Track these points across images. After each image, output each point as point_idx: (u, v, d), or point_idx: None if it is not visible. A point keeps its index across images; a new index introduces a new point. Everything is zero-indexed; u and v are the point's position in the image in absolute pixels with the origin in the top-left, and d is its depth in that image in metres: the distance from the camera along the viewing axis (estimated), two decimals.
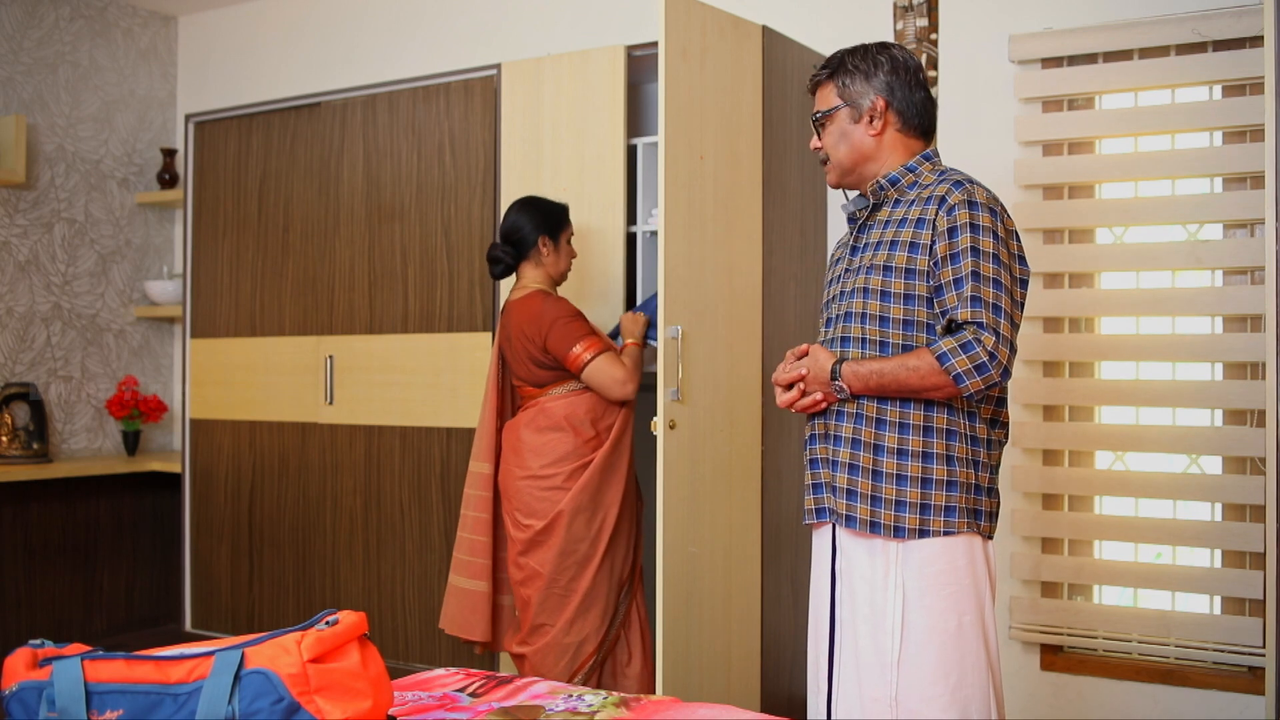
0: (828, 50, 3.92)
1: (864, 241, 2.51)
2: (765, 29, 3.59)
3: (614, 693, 2.40)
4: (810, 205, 3.90)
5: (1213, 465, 3.58)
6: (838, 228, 3.98)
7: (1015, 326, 2.36)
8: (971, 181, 2.40)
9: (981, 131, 3.76)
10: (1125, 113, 3.65)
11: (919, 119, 2.53)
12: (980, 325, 2.30)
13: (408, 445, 4.40)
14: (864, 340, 2.43)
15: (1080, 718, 3.65)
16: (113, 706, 1.89)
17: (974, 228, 2.33)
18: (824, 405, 2.48)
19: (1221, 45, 3.48)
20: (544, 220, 3.61)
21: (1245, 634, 3.45)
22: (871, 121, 2.50)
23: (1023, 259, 2.44)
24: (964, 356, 2.28)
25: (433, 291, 4.34)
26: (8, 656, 2.02)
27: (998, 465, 2.51)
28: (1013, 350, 2.33)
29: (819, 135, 2.60)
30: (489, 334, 4.14)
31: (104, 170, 5.48)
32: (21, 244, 5.15)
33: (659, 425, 3.22)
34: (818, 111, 2.58)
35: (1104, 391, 3.71)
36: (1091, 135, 3.68)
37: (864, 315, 2.44)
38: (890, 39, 3.88)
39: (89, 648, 2.10)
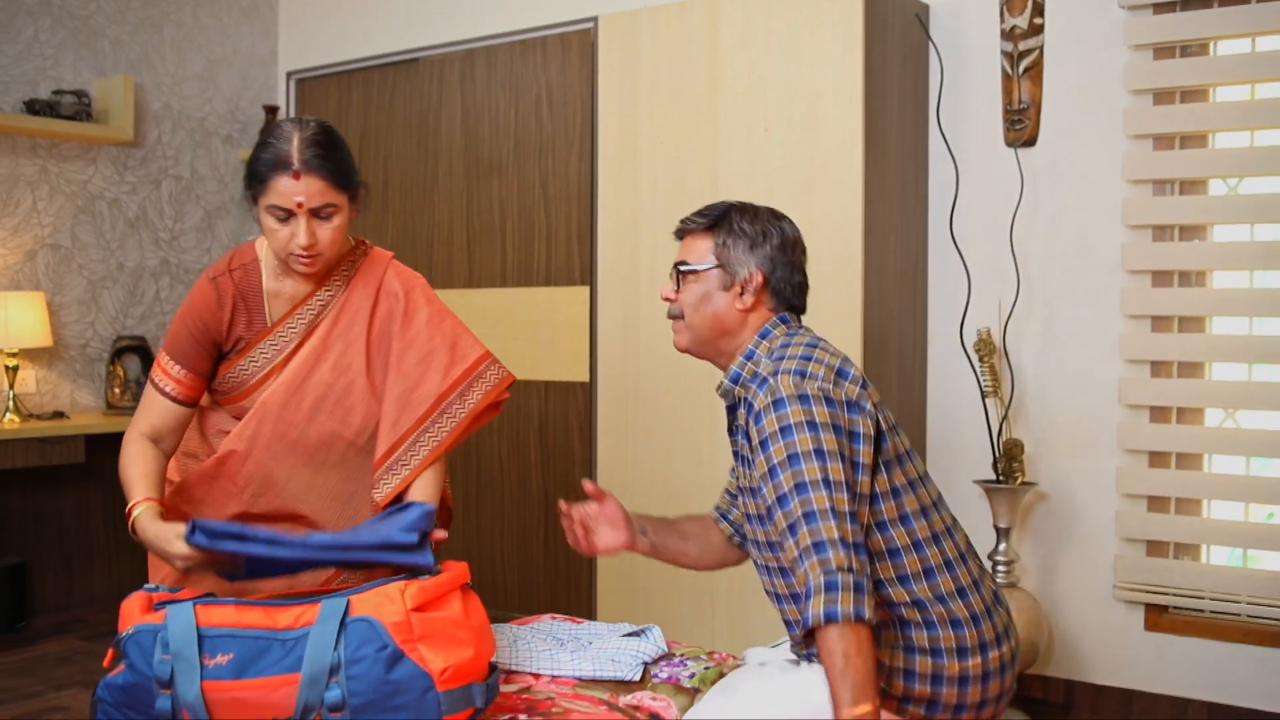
0: (930, 1, 3.85)
1: (735, 449, 2.25)
2: None
3: (712, 660, 2.40)
4: (910, 155, 3.83)
5: None
6: (939, 176, 3.91)
7: (853, 513, 1.95)
8: (779, 371, 2.08)
9: (1090, 80, 3.66)
10: (1242, 58, 3.52)
11: (790, 302, 2.25)
12: (812, 548, 1.90)
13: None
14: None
15: (1184, 679, 3.58)
16: (223, 650, 1.95)
17: (784, 431, 2.00)
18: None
19: None
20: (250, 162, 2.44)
21: None
22: (742, 295, 2.20)
23: (853, 405, 2.07)
24: (816, 598, 1.86)
25: (530, 245, 4.35)
26: (124, 600, 2.09)
27: (969, 586, 2.12)
28: (855, 547, 1.91)
29: (676, 286, 2.26)
30: (587, 288, 4.15)
31: (208, 128, 5.58)
32: (131, 200, 5.27)
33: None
34: (683, 263, 2.25)
35: (1215, 347, 3.60)
36: (1205, 83, 3.56)
37: (756, 542, 2.23)
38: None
39: (201, 592, 2.16)
